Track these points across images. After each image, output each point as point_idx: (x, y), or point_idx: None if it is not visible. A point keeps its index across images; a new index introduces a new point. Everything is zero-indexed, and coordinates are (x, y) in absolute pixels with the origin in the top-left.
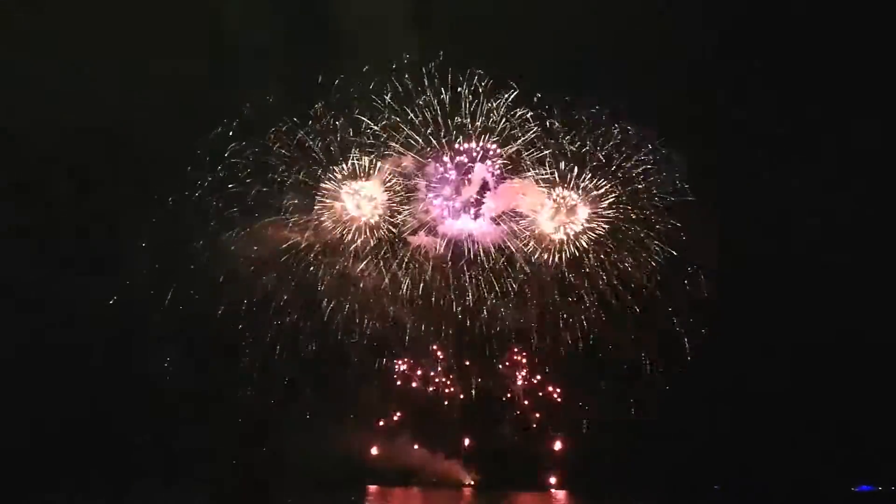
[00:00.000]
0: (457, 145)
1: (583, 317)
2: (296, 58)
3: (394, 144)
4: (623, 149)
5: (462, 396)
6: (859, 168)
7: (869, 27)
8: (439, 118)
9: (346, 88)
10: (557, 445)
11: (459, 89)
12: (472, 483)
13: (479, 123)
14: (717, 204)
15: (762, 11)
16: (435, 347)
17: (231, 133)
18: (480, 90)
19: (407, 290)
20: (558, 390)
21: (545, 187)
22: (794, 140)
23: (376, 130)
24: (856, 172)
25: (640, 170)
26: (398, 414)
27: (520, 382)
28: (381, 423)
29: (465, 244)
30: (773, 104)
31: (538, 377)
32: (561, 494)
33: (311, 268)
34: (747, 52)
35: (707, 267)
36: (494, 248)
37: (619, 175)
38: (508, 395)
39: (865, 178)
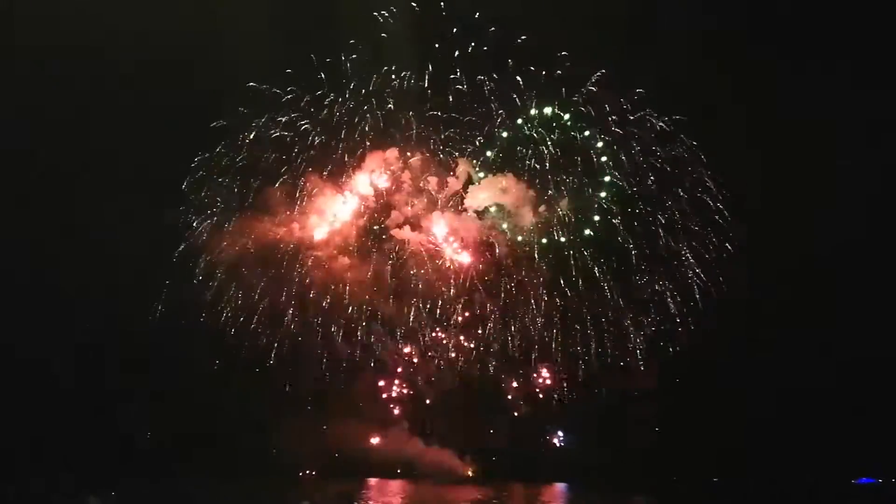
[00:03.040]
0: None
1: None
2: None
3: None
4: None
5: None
6: None
7: None
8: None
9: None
10: (554, 438)
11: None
12: (472, 475)
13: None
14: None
15: None
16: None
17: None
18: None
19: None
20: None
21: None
22: None
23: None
24: None
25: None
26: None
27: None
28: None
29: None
30: None
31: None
32: (559, 487)
33: (298, 263)
34: None
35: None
36: (478, 242)
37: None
38: (503, 387)
39: None
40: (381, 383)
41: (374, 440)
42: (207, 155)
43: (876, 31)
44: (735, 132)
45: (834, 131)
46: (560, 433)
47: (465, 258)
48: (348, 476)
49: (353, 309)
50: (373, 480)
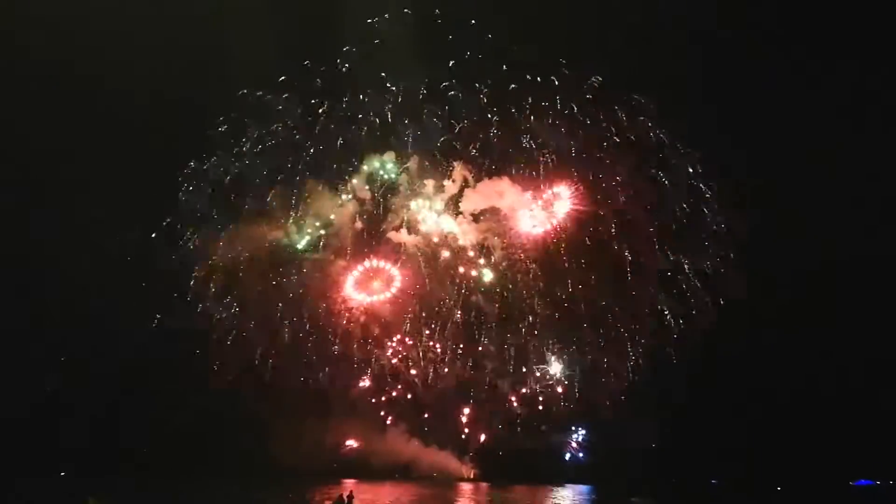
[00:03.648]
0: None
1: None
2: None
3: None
4: None
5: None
6: None
7: None
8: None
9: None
10: (554, 440)
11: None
12: (473, 477)
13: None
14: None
15: None
16: (425, 340)
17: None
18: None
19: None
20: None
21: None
22: None
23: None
24: None
25: None
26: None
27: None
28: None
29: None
30: None
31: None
32: (559, 488)
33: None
34: None
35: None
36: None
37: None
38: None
39: None
40: (377, 386)
41: (372, 443)
42: (194, 163)
43: (877, 33)
44: (732, 138)
45: (833, 134)
46: (581, 431)
47: (489, 274)
48: (347, 478)
49: (350, 312)
50: (371, 483)
